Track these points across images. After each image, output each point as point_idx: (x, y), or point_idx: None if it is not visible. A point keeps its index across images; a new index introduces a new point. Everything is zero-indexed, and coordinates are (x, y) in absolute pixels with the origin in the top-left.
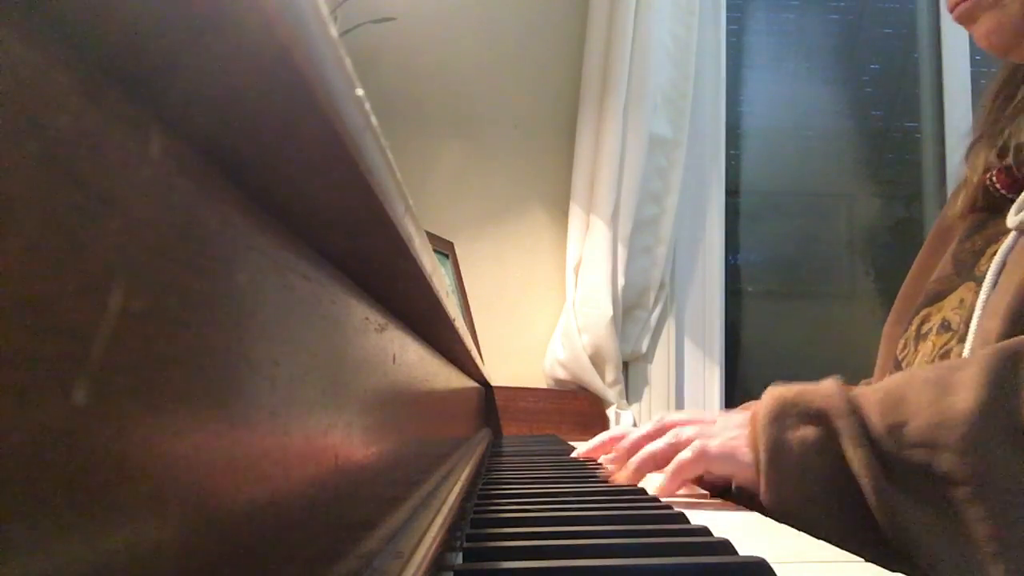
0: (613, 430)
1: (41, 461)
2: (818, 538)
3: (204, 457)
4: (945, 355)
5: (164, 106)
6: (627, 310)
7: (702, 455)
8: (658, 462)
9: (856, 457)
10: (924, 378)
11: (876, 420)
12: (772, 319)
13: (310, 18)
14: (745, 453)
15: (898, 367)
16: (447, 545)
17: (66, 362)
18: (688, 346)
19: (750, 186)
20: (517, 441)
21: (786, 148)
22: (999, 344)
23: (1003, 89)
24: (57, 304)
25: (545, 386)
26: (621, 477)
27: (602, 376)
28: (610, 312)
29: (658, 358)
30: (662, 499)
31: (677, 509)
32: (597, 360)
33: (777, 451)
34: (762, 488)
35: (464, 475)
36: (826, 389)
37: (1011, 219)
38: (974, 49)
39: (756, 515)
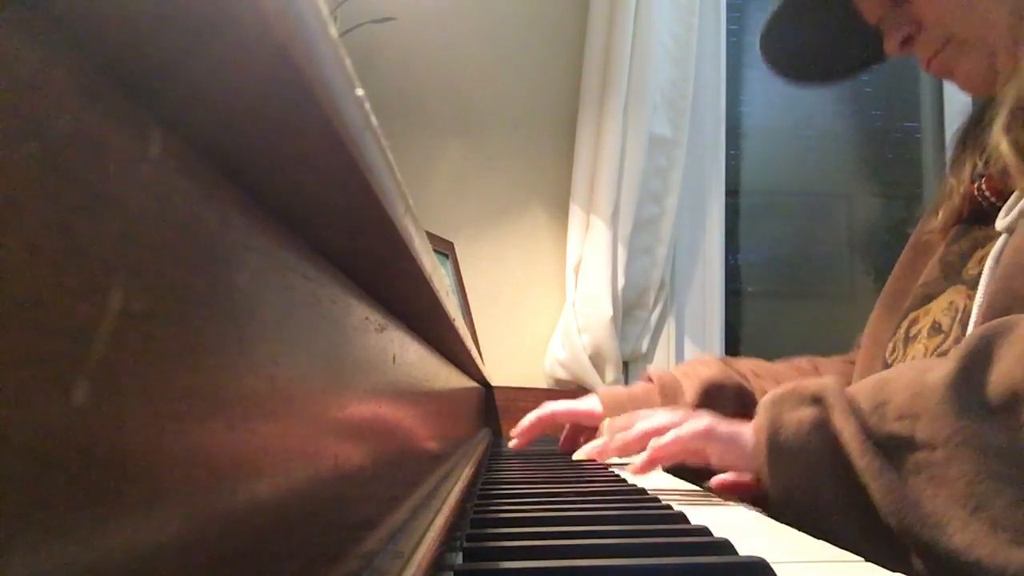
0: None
1: (41, 461)
2: (818, 520)
3: (204, 457)
4: (940, 356)
5: (164, 106)
6: (627, 310)
7: (710, 430)
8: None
9: (846, 428)
10: (908, 366)
11: (864, 402)
12: (772, 319)
13: (310, 18)
14: (747, 437)
15: (887, 368)
16: (447, 545)
17: (66, 362)
18: (688, 346)
19: (750, 186)
20: None
21: (786, 148)
22: (976, 329)
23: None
24: (57, 304)
25: (545, 386)
26: (638, 468)
27: (602, 376)
28: (610, 312)
29: (658, 358)
30: (654, 470)
31: (677, 509)
32: (597, 360)
33: (777, 431)
34: (764, 469)
35: (464, 475)
36: (822, 379)
37: (1000, 222)
38: None
39: (756, 515)
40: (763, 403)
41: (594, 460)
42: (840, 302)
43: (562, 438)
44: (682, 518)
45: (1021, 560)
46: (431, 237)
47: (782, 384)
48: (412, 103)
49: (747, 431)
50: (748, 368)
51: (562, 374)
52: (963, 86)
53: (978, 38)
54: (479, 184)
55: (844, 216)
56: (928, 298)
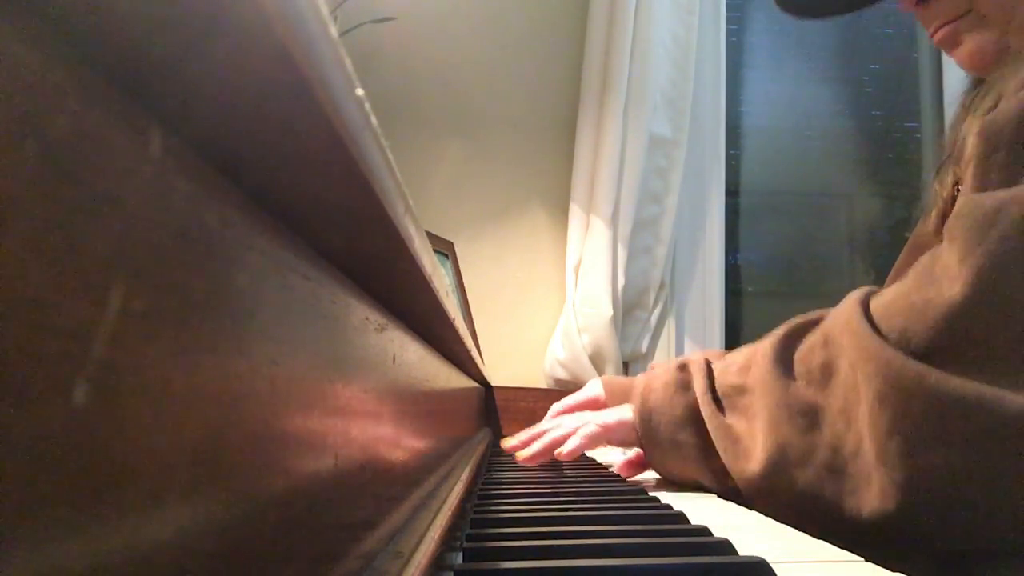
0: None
1: (41, 461)
2: (683, 472)
3: (204, 457)
4: None
5: (164, 106)
6: (627, 310)
7: (603, 427)
8: (556, 443)
9: (697, 385)
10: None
11: (719, 363)
12: (772, 319)
13: (310, 18)
14: (628, 415)
15: None
16: (447, 545)
17: (66, 362)
18: (688, 346)
19: (750, 186)
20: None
21: (786, 148)
22: (804, 315)
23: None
24: (57, 304)
25: (545, 386)
26: (523, 456)
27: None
28: (610, 312)
29: (658, 358)
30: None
31: (677, 509)
32: (597, 360)
33: (647, 391)
34: (637, 427)
35: (464, 475)
36: (697, 352)
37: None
38: None
39: (756, 515)
40: (639, 377)
41: (602, 464)
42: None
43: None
44: (682, 518)
45: (805, 477)
46: (431, 237)
47: None
48: (412, 103)
49: (625, 414)
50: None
51: (562, 374)
52: (962, 61)
53: (998, 17)
54: (479, 184)
55: (844, 216)
56: None
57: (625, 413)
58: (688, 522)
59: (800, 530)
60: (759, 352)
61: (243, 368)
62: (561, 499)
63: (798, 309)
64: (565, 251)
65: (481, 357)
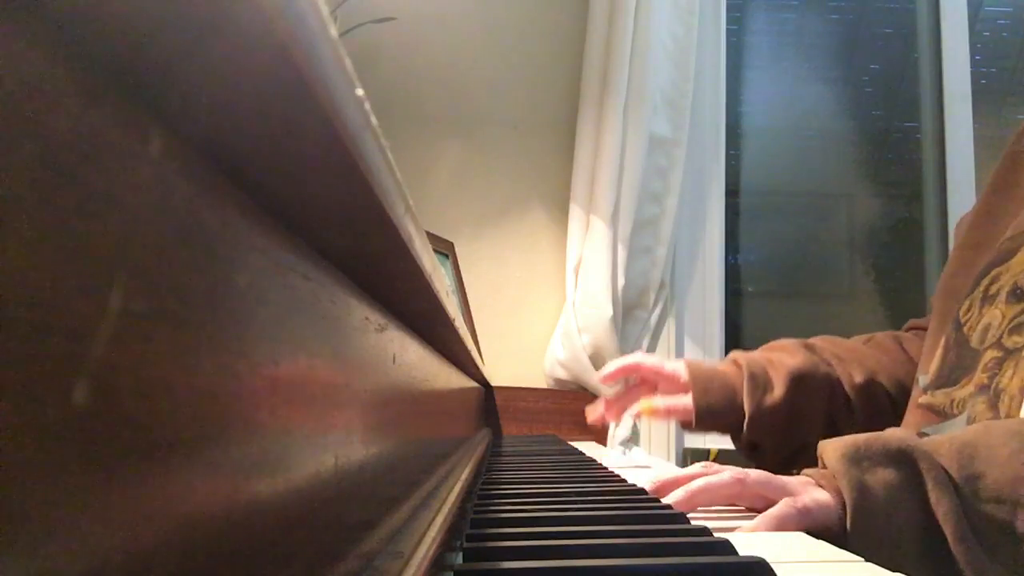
0: (631, 357)
1: (41, 461)
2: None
3: (203, 457)
4: (1016, 329)
5: (164, 106)
6: (627, 310)
7: (795, 511)
8: (720, 499)
9: (940, 502)
10: (1004, 430)
11: (954, 468)
12: (772, 319)
13: (310, 18)
14: (825, 498)
15: (959, 330)
16: (447, 545)
17: (66, 362)
18: (688, 346)
19: (750, 186)
20: (517, 441)
21: (786, 148)
22: None
23: None
24: (57, 304)
25: (545, 386)
26: (675, 499)
27: None
28: (610, 312)
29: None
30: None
31: (677, 509)
32: (597, 360)
33: (863, 492)
34: (849, 531)
35: (464, 475)
36: (898, 432)
37: None
38: (974, 49)
39: (756, 515)
40: (836, 461)
41: (602, 464)
42: (840, 302)
43: (626, 389)
44: (682, 518)
45: None
46: (431, 237)
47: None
48: (412, 103)
49: (821, 496)
50: (830, 352)
51: (562, 374)
52: None
53: None
54: (479, 184)
55: (844, 216)
56: (1011, 252)
57: (823, 503)
58: (688, 522)
59: None
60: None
61: (243, 368)
62: (561, 499)
63: (798, 309)
64: (565, 251)
65: (481, 357)
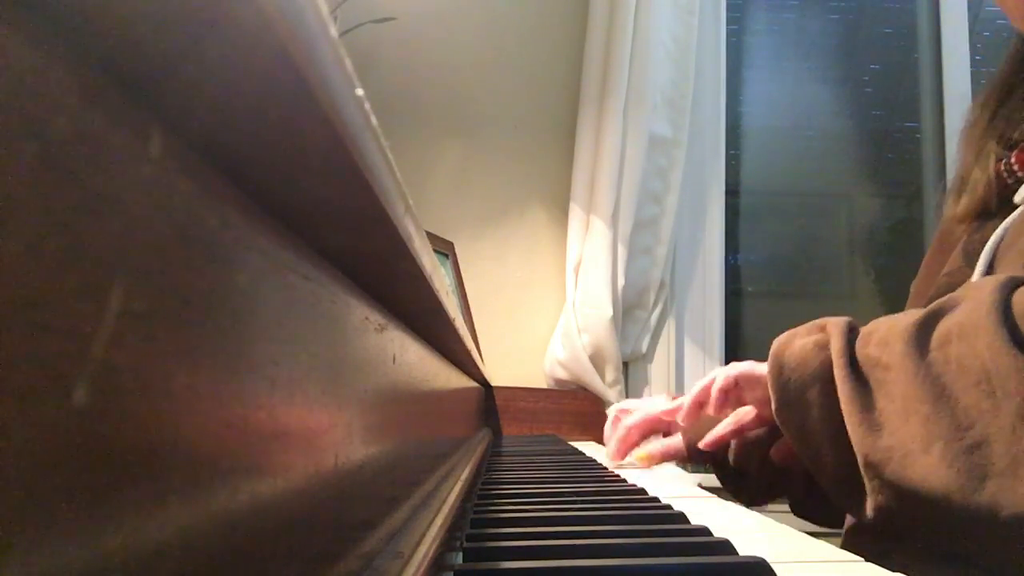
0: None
1: (41, 461)
2: (808, 443)
3: (204, 457)
4: None
5: (164, 106)
6: (627, 310)
7: (738, 372)
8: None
9: (835, 348)
10: (905, 312)
11: (862, 330)
12: (772, 319)
13: (310, 18)
14: (761, 367)
15: None
16: (447, 545)
17: (66, 362)
18: (688, 346)
19: (750, 186)
20: (517, 441)
21: (786, 148)
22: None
23: (1013, 76)
24: (57, 304)
25: (545, 386)
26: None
27: (602, 376)
28: (610, 312)
29: (658, 358)
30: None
31: (677, 509)
32: (597, 360)
33: (783, 348)
34: (769, 381)
35: (464, 475)
36: (835, 317)
37: (1020, 195)
38: (974, 49)
39: (756, 515)
40: (779, 338)
41: (602, 464)
42: (840, 302)
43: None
44: (682, 518)
45: (927, 462)
46: (431, 237)
47: None
48: (412, 103)
49: (762, 365)
50: None
51: (562, 374)
52: (1012, 10)
53: None
54: (479, 184)
55: (844, 216)
56: (951, 287)
57: (758, 366)
58: (688, 522)
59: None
60: (898, 328)
61: (243, 368)
62: (561, 499)
63: (798, 309)
64: (565, 251)
65: (481, 357)
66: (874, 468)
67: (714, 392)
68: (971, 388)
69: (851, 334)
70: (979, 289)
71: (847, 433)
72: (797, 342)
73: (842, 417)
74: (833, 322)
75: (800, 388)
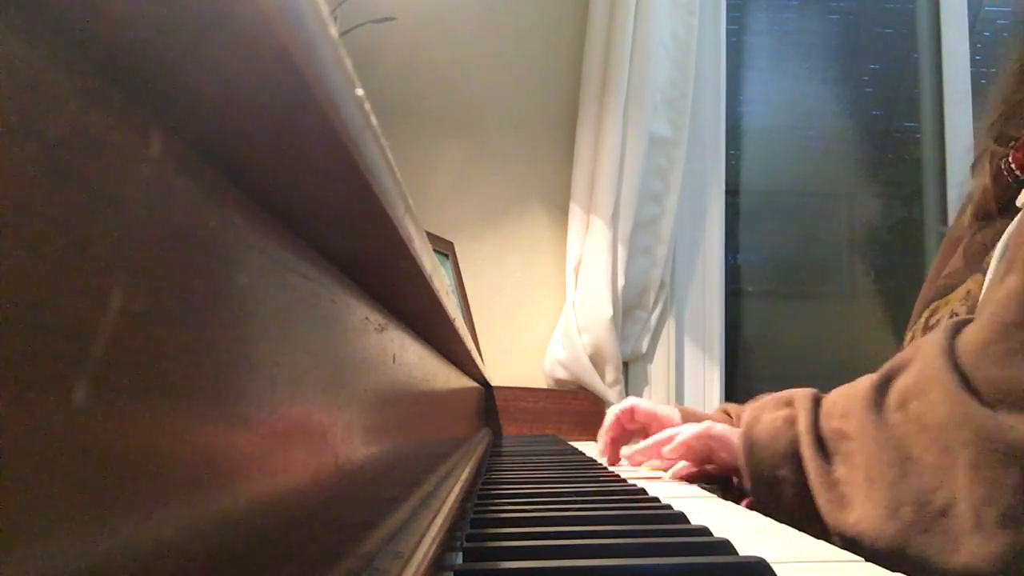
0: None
1: (41, 461)
2: (780, 508)
3: (204, 457)
4: None
5: (164, 106)
6: (627, 310)
7: (709, 430)
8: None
9: (801, 424)
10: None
11: (825, 403)
12: (772, 319)
13: (310, 18)
14: (734, 434)
15: None
16: (447, 545)
17: (66, 362)
18: (688, 346)
19: (750, 186)
20: (517, 441)
21: (786, 148)
22: (900, 353)
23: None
24: (57, 304)
25: (545, 386)
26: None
27: (602, 376)
28: (610, 312)
29: (658, 358)
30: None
31: (677, 509)
32: (597, 360)
33: (752, 427)
34: (740, 455)
35: (464, 475)
36: (802, 389)
37: (1021, 199)
38: (974, 49)
39: (756, 515)
40: (749, 405)
41: (602, 464)
42: (840, 302)
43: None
44: (682, 518)
45: (894, 529)
46: (431, 237)
47: None
48: (412, 103)
49: (736, 432)
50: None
51: (562, 374)
52: None
53: None
54: (479, 184)
55: (844, 216)
56: (949, 288)
57: (732, 434)
58: (688, 522)
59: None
60: (857, 396)
61: (243, 368)
62: (561, 499)
63: (798, 309)
64: (565, 251)
65: (481, 357)
66: (848, 543)
67: (680, 451)
68: (931, 446)
69: (816, 409)
70: (928, 343)
71: (813, 506)
72: (766, 417)
73: (809, 496)
74: (799, 396)
75: (772, 467)
